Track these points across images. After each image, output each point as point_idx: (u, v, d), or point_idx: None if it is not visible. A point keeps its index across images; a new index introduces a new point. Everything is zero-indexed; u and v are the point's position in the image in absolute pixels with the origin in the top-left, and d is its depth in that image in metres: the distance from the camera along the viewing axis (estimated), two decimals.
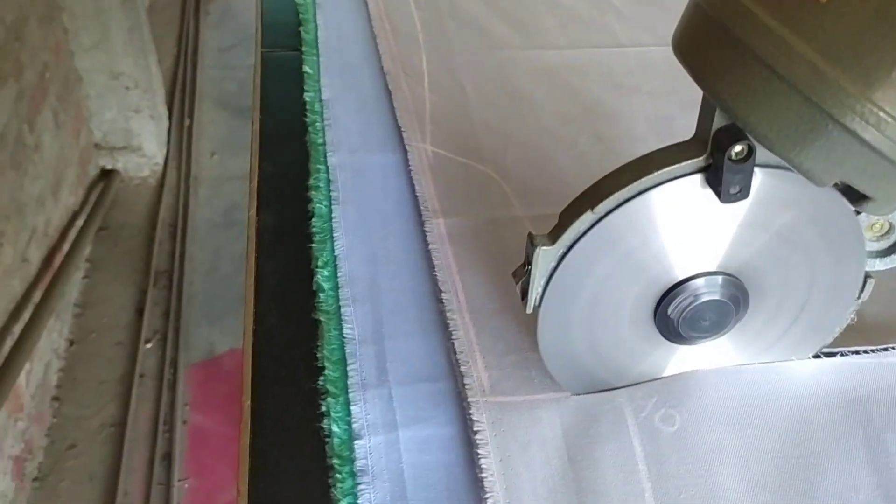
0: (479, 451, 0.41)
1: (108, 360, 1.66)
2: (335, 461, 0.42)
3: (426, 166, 0.60)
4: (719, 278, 0.40)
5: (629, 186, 0.37)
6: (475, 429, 0.42)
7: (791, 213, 0.39)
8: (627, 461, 0.39)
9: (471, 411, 0.43)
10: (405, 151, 0.62)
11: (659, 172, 0.37)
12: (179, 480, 1.47)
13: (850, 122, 0.31)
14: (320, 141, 0.63)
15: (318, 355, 0.49)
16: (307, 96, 0.69)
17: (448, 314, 0.49)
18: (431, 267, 0.53)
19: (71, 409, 1.58)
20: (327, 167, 0.60)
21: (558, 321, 0.41)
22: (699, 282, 0.40)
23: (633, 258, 0.40)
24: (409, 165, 0.60)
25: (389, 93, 0.68)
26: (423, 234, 0.55)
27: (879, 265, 0.42)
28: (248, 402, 0.47)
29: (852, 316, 0.45)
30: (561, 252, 0.39)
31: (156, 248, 1.88)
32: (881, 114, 0.31)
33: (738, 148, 0.35)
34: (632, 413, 0.41)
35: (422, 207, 0.57)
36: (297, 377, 0.48)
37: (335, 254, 0.53)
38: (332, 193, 0.58)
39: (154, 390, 1.61)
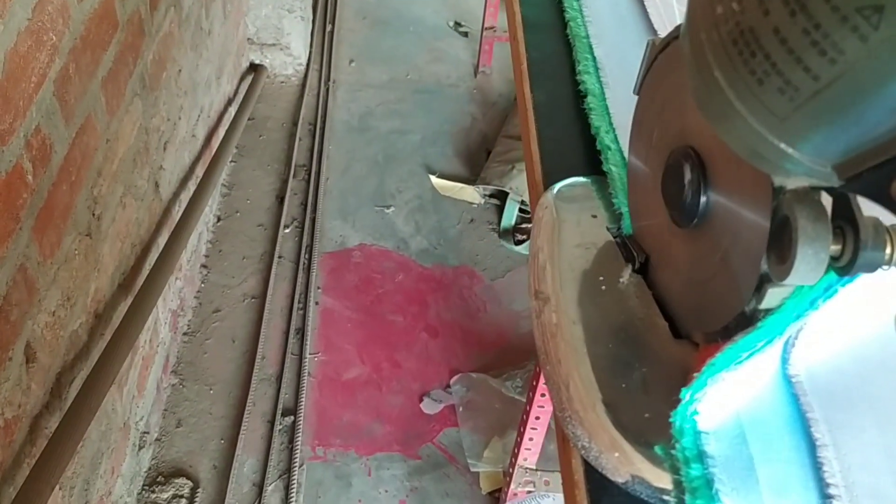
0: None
1: (251, 239, 1.80)
2: None
3: None
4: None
5: None
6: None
7: None
8: None
9: None
10: None
11: None
12: (311, 354, 1.61)
13: None
14: (583, 34, 0.72)
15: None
16: None
17: None
18: None
19: (217, 277, 1.72)
20: (594, 56, 0.69)
21: (644, 116, 0.54)
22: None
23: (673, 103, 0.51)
24: None
25: None
26: None
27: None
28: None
29: None
30: (657, 53, 0.53)
31: (296, 143, 2.00)
32: None
33: None
34: None
35: None
36: None
37: (612, 124, 0.62)
38: (601, 78, 0.67)
39: (291, 271, 1.75)
